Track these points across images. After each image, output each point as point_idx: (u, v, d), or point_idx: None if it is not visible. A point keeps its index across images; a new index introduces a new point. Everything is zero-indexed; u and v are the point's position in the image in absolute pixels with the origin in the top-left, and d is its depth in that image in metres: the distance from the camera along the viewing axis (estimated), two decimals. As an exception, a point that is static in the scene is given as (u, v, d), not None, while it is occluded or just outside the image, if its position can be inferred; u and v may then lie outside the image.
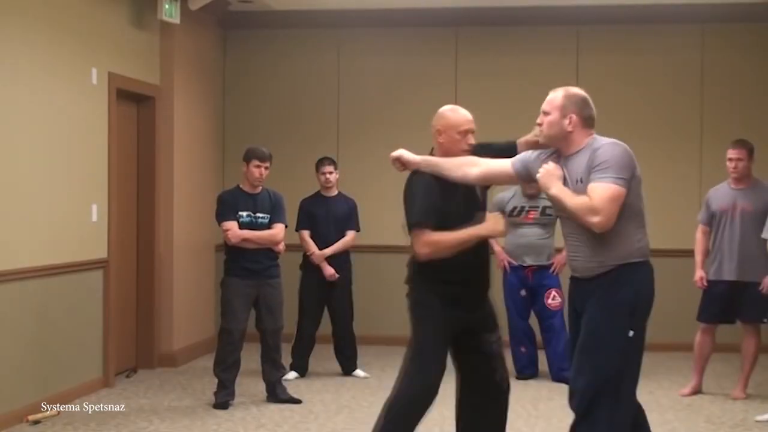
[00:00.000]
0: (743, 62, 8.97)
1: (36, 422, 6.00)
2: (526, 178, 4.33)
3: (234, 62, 9.47)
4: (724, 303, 6.81)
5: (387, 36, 9.31)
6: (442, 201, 4.34)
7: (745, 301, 6.74)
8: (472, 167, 4.37)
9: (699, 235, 6.99)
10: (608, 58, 9.06)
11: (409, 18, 9.13)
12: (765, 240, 6.46)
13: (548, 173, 4.06)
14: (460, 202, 4.40)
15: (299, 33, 9.39)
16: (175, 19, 7.64)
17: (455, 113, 4.55)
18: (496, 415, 4.59)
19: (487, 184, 4.53)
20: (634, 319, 3.99)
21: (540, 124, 4.20)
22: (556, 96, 4.18)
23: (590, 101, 4.23)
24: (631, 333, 3.96)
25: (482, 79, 9.14)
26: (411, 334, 4.56)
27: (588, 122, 4.16)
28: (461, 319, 4.44)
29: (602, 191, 3.92)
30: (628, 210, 4.01)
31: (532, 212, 7.38)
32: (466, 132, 4.50)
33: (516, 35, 9.17)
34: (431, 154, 4.55)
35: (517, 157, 4.36)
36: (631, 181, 4.00)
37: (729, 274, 6.77)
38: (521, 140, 4.58)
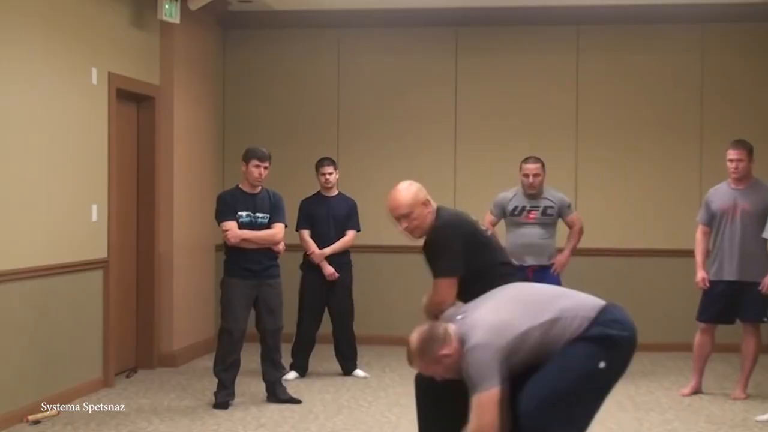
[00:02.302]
0: (743, 62, 8.97)
1: (36, 422, 6.00)
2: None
3: (234, 62, 9.47)
4: (724, 303, 6.81)
5: (387, 36, 9.31)
6: (474, 255, 4.29)
7: (745, 300, 6.74)
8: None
9: (699, 236, 6.98)
10: (608, 58, 9.06)
11: (409, 18, 9.13)
12: (765, 240, 6.46)
13: None
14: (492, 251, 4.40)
15: (299, 33, 9.39)
16: (175, 19, 7.64)
17: (388, 199, 4.44)
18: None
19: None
20: (610, 355, 3.86)
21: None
22: (417, 361, 4.03)
23: (433, 336, 3.98)
24: (602, 364, 3.84)
25: (482, 79, 9.14)
26: None
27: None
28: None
29: (482, 408, 3.80)
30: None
31: (533, 212, 7.37)
32: (397, 218, 4.39)
33: (516, 35, 9.17)
34: None
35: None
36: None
37: (729, 274, 6.76)
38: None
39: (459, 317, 4.00)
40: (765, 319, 6.77)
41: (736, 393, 6.86)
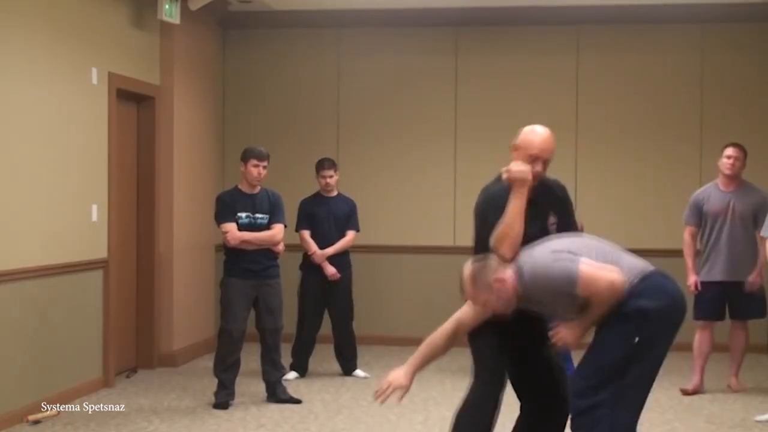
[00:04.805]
0: (743, 62, 8.97)
1: (36, 422, 6.00)
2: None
3: (234, 62, 9.46)
4: (717, 301, 6.97)
5: (387, 36, 9.31)
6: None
7: (742, 300, 6.89)
8: (440, 339, 4.22)
9: (687, 238, 7.06)
10: (608, 58, 9.06)
11: (409, 18, 9.13)
12: (755, 240, 6.67)
13: (568, 334, 4.03)
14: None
15: (299, 33, 9.39)
16: (175, 19, 7.64)
17: (531, 134, 4.37)
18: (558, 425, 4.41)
19: (459, 336, 4.25)
20: (643, 328, 3.93)
21: (484, 306, 4.07)
22: (469, 288, 4.06)
23: (486, 264, 4.05)
24: (636, 339, 3.92)
25: (482, 79, 9.14)
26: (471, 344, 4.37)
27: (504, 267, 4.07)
28: (524, 331, 4.27)
29: (591, 277, 3.88)
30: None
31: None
32: (535, 157, 4.30)
33: (516, 35, 9.17)
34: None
35: None
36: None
37: (723, 275, 6.90)
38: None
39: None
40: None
41: (733, 384, 7.02)
